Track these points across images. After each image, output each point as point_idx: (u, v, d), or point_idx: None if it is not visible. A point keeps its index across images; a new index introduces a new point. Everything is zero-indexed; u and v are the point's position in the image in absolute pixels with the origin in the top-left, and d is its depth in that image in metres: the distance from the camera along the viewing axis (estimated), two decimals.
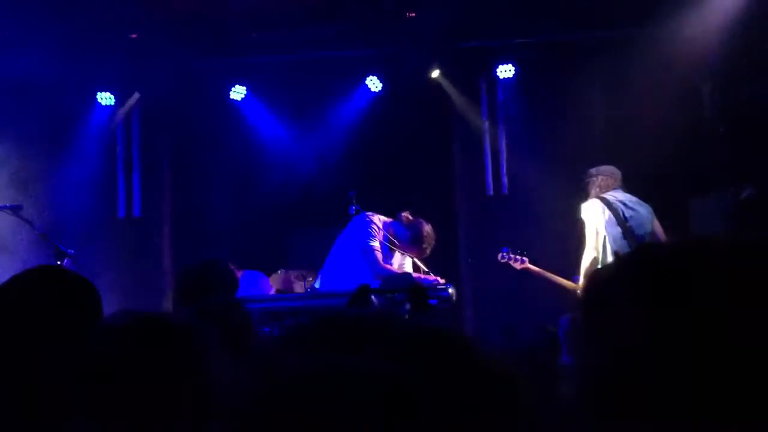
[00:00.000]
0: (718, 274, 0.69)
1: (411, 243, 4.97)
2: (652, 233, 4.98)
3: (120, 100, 6.78)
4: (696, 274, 0.69)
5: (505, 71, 6.52)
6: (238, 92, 6.80)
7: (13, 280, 1.60)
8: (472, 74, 6.68)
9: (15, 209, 5.19)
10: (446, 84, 6.65)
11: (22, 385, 1.37)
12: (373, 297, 3.90)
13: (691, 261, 0.71)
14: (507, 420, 0.71)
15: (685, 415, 0.67)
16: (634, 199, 5.07)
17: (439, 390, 0.67)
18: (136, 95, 6.74)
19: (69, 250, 4.93)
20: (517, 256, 5.25)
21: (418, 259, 5.04)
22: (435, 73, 6.61)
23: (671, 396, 0.67)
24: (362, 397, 0.62)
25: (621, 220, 4.94)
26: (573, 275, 5.06)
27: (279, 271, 6.06)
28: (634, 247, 0.82)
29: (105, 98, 6.71)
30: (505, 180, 6.54)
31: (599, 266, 4.79)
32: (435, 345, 0.72)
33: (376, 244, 4.95)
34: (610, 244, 4.87)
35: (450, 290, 4.82)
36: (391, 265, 5.01)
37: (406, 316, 3.82)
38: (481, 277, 6.30)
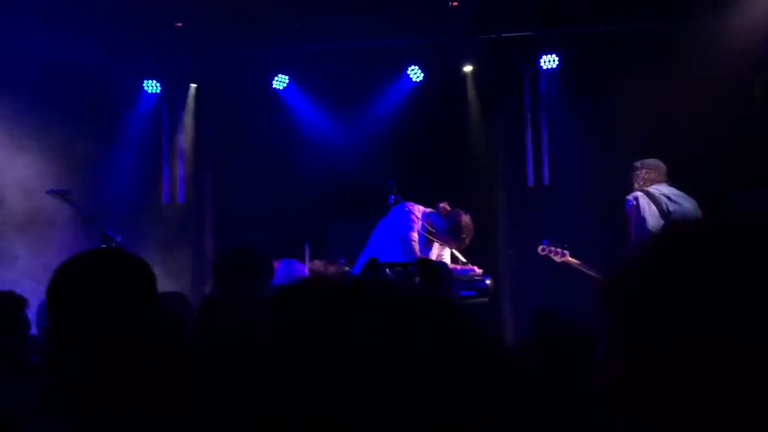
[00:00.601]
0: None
1: (449, 233, 4.95)
2: None
3: (165, 87, 6.89)
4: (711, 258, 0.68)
5: (549, 61, 6.45)
6: (280, 81, 6.85)
7: (74, 260, 1.66)
8: (515, 64, 6.61)
9: (63, 194, 5.22)
10: (488, 74, 6.60)
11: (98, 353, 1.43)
12: (387, 270, 3.89)
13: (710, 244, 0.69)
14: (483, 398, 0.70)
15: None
16: (678, 192, 4.98)
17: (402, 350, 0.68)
18: (193, 87, 6.86)
19: (116, 236, 4.98)
20: (558, 249, 5.19)
21: (457, 250, 5.02)
22: (475, 64, 6.56)
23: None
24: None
25: (664, 213, 4.86)
26: None
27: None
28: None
29: (151, 86, 6.83)
30: (547, 171, 6.47)
31: None
32: (418, 309, 0.72)
33: (414, 234, 4.94)
34: None
35: (487, 281, 4.79)
36: (429, 255, 4.99)
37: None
38: (520, 269, 6.25)
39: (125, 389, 1.30)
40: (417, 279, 3.81)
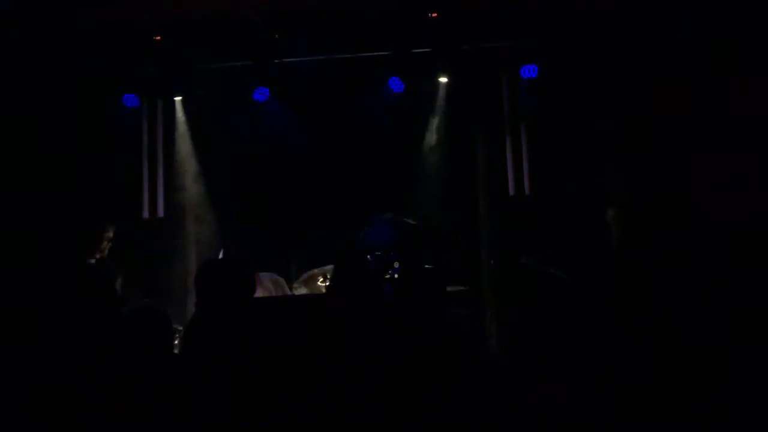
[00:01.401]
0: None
1: None
2: None
3: (144, 101, 6.86)
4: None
5: (528, 71, 6.48)
6: (260, 93, 6.83)
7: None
8: (495, 74, 6.65)
9: None
10: (468, 84, 6.64)
11: None
12: (368, 257, 3.87)
13: None
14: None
15: None
16: None
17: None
18: (178, 99, 6.84)
19: None
20: None
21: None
22: (455, 74, 6.59)
23: None
24: None
25: None
26: None
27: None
28: None
29: (130, 99, 6.79)
30: (528, 180, 6.50)
31: None
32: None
33: None
34: None
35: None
36: None
37: (396, 275, 3.80)
38: (502, 278, 6.27)
39: None
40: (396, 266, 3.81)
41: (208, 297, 3.21)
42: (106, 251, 5.94)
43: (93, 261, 5.81)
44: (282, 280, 5.96)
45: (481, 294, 6.39)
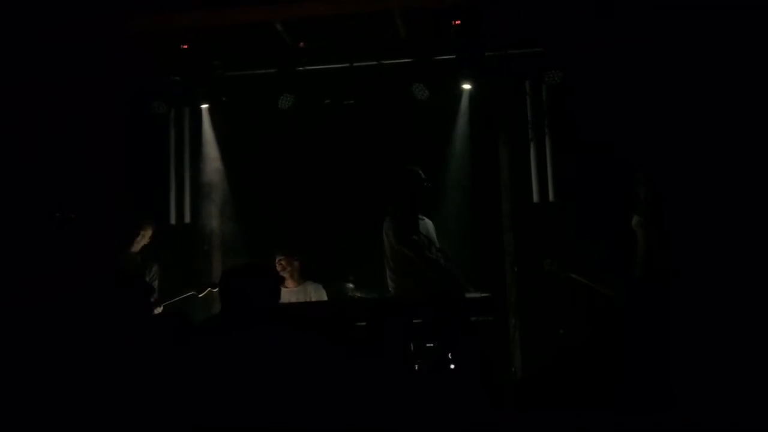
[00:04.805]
0: None
1: None
2: None
3: (172, 108, 6.95)
4: None
5: (553, 77, 6.46)
6: (286, 100, 6.88)
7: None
8: (519, 80, 6.64)
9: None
10: (492, 90, 6.63)
11: None
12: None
13: None
14: None
15: None
16: None
17: None
18: (205, 107, 6.93)
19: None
20: None
21: None
22: (480, 81, 6.59)
23: None
24: None
25: None
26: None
27: None
28: None
29: (158, 106, 6.87)
30: (551, 187, 6.48)
31: None
32: None
33: None
34: None
35: None
36: None
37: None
38: (526, 286, 6.25)
39: None
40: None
41: (233, 303, 3.23)
42: (140, 246, 6.06)
43: (124, 254, 5.96)
44: (321, 287, 6.06)
45: (505, 301, 6.38)
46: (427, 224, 5.22)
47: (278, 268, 5.98)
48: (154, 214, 6.49)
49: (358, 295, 5.55)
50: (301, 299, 5.95)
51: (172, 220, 6.95)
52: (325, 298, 5.94)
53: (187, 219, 6.98)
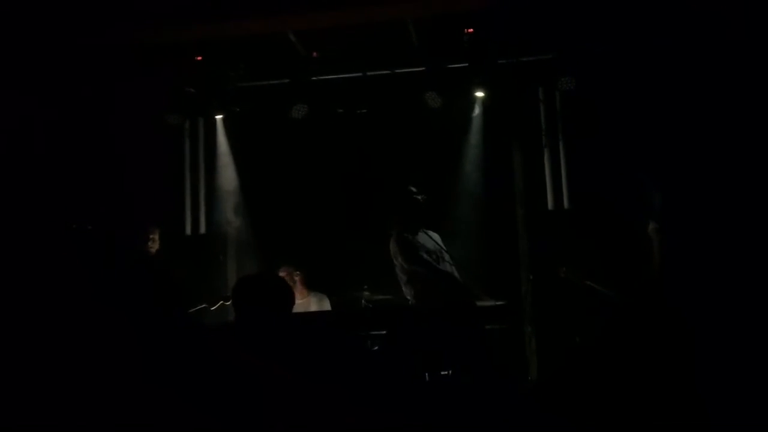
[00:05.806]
0: None
1: None
2: None
3: (187, 119, 7.00)
4: None
5: (566, 83, 6.44)
6: (299, 110, 6.91)
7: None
8: (532, 87, 6.63)
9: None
10: (506, 97, 6.63)
11: None
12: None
13: None
14: None
15: None
16: None
17: None
18: (219, 118, 6.96)
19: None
20: None
21: None
22: (493, 88, 6.59)
23: None
24: None
25: None
26: None
27: None
28: None
29: (173, 118, 6.93)
30: (566, 194, 6.45)
31: None
32: None
33: None
34: None
35: None
36: None
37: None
38: (542, 293, 6.21)
39: None
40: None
41: (247, 311, 3.25)
42: (154, 250, 6.09)
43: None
44: (325, 297, 6.04)
45: (521, 309, 6.35)
46: (433, 237, 5.20)
47: None
48: (170, 224, 6.52)
49: (374, 299, 5.55)
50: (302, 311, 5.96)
51: (188, 231, 6.98)
52: (328, 308, 5.93)
53: (203, 229, 7.01)
